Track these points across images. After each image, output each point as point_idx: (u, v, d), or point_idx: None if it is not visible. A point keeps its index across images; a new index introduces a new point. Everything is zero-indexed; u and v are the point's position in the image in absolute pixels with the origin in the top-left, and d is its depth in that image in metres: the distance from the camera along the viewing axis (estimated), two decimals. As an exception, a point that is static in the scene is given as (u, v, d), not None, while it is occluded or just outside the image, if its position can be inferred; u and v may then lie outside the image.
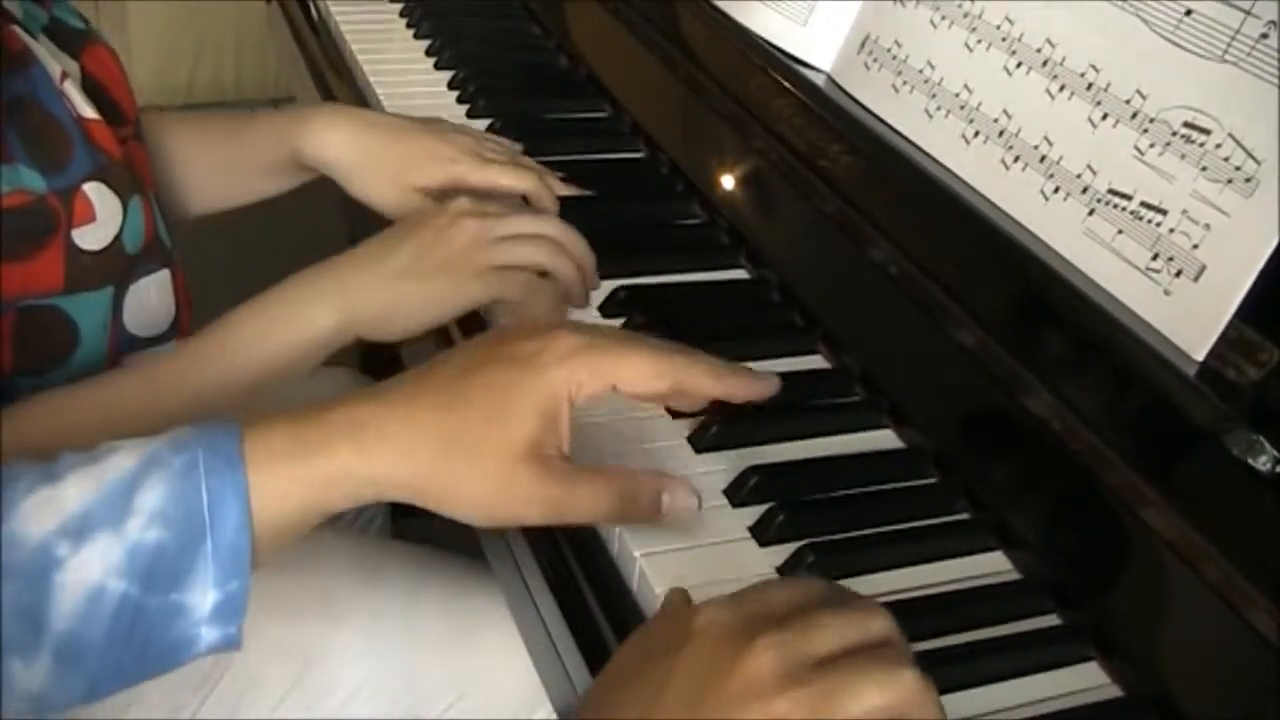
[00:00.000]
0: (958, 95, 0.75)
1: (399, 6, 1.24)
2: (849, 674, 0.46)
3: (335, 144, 0.89)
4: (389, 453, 0.56)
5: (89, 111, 0.74)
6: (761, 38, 0.90)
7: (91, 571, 0.51)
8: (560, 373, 0.57)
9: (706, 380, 0.60)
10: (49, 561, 0.51)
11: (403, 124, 0.90)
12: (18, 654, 0.50)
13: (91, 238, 0.72)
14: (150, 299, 0.79)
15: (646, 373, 0.59)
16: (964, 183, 0.74)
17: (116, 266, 0.75)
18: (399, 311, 0.73)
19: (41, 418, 0.69)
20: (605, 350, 0.58)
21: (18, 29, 0.73)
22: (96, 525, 0.51)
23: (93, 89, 0.78)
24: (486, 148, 0.90)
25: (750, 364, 0.75)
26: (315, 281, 0.73)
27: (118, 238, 0.74)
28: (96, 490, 0.52)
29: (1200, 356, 0.60)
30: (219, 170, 0.95)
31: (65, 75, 0.74)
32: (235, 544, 0.53)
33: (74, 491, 0.52)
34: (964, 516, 0.68)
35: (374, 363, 1.39)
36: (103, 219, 0.73)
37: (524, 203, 0.89)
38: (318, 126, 0.89)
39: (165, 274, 0.81)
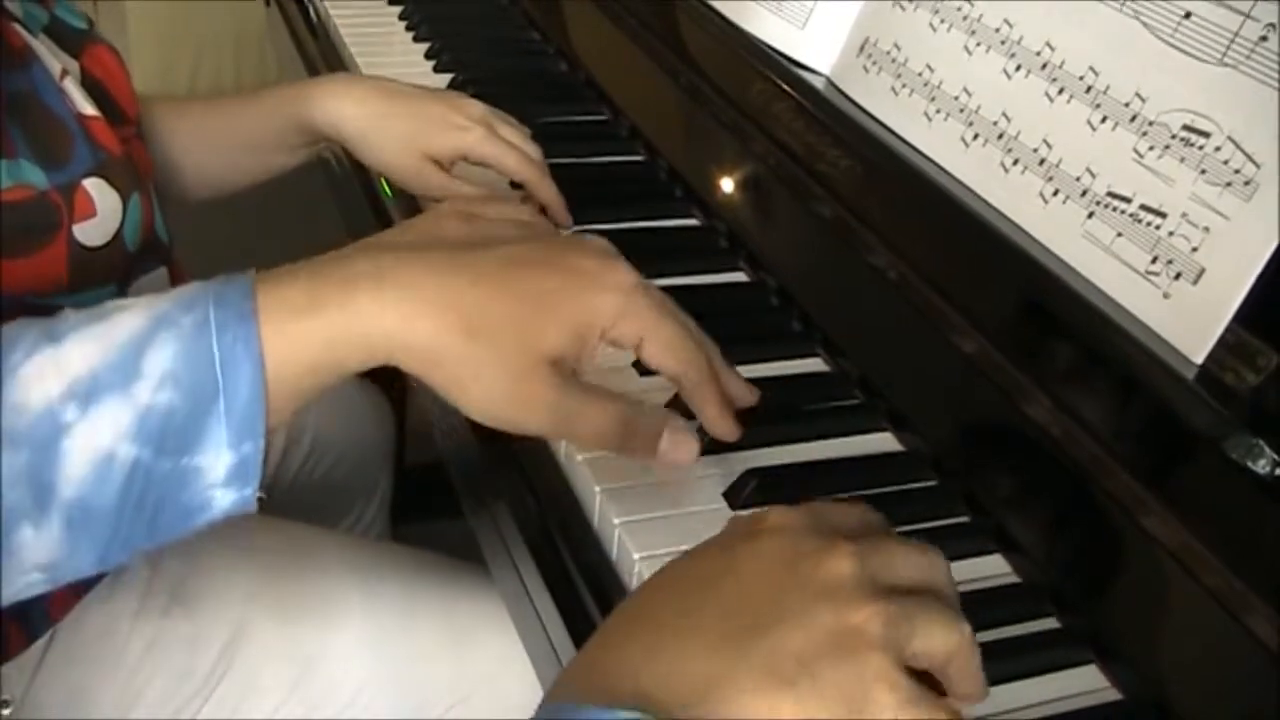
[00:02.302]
0: (957, 98, 0.75)
1: (398, 9, 1.24)
2: (923, 609, 0.45)
3: (347, 109, 0.89)
4: (410, 311, 0.53)
5: (89, 109, 0.75)
6: (760, 41, 0.90)
7: (100, 437, 0.49)
8: (608, 300, 0.56)
9: (705, 392, 0.60)
10: (55, 427, 0.49)
11: (415, 90, 0.90)
12: (28, 522, 0.49)
13: (93, 234, 0.72)
14: None
15: (672, 345, 0.58)
16: (963, 185, 0.74)
17: (118, 263, 0.75)
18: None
19: None
20: (653, 304, 0.57)
21: (18, 27, 0.73)
22: (104, 389, 0.49)
23: (93, 88, 0.78)
24: (498, 121, 0.90)
25: (749, 367, 0.75)
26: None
27: (118, 234, 0.74)
28: (103, 352, 0.50)
29: (1199, 360, 0.60)
30: (230, 147, 0.95)
31: (65, 73, 0.75)
32: (249, 404, 0.51)
33: (78, 353, 0.50)
34: (963, 520, 0.68)
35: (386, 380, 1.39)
36: (103, 215, 0.73)
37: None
38: (329, 93, 0.90)
39: (164, 272, 0.81)
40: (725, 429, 0.62)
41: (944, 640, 0.45)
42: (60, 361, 0.50)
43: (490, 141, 0.87)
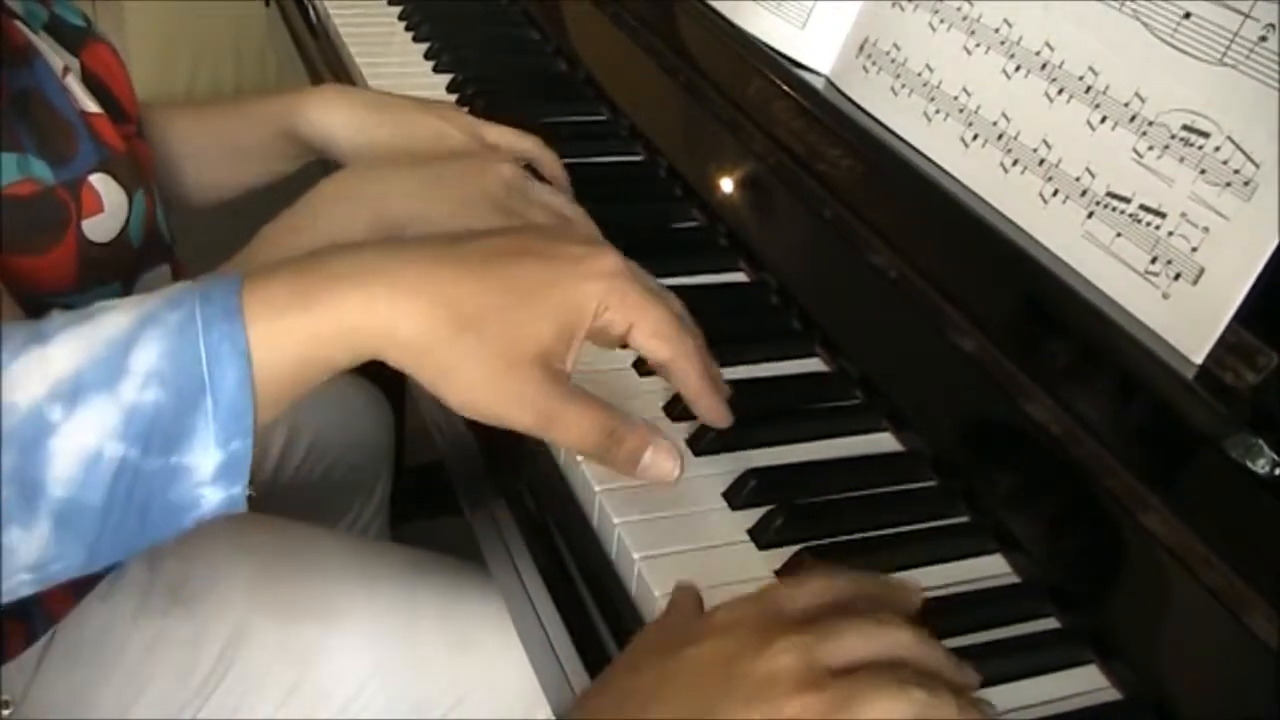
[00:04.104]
0: (956, 98, 0.76)
1: (398, 9, 1.24)
2: (870, 684, 0.46)
3: (337, 123, 0.89)
4: (397, 307, 0.53)
5: (91, 106, 0.75)
6: (760, 40, 0.90)
7: (87, 436, 0.49)
8: (594, 286, 0.56)
9: (694, 374, 0.60)
10: (42, 427, 0.49)
11: (403, 103, 0.90)
12: (16, 522, 0.49)
13: (100, 230, 0.72)
14: None
15: (659, 330, 0.58)
16: (963, 185, 0.74)
17: (125, 260, 0.75)
18: (425, 219, 0.72)
19: None
20: (641, 289, 0.57)
21: (19, 24, 0.73)
22: (90, 388, 0.49)
23: (94, 86, 0.78)
24: (487, 127, 0.90)
25: (749, 367, 0.75)
26: (345, 184, 0.73)
27: (124, 230, 0.74)
28: (89, 351, 0.50)
29: (1199, 360, 0.60)
30: (223, 155, 0.95)
31: (67, 70, 0.75)
32: (236, 401, 0.50)
33: (64, 352, 0.49)
34: (963, 519, 0.68)
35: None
36: (110, 210, 0.73)
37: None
38: (316, 105, 0.90)
39: (166, 270, 0.81)
40: (718, 415, 0.63)
41: (891, 711, 0.45)
42: (46, 361, 0.49)
43: (480, 149, 0.87)
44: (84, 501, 0.49)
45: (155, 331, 0.50)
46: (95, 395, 0.49)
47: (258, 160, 0.95)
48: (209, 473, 0.51)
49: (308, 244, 0.69)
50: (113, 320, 0.51)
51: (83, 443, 0.49)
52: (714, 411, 0.62)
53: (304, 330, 0.52)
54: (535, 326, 0.54)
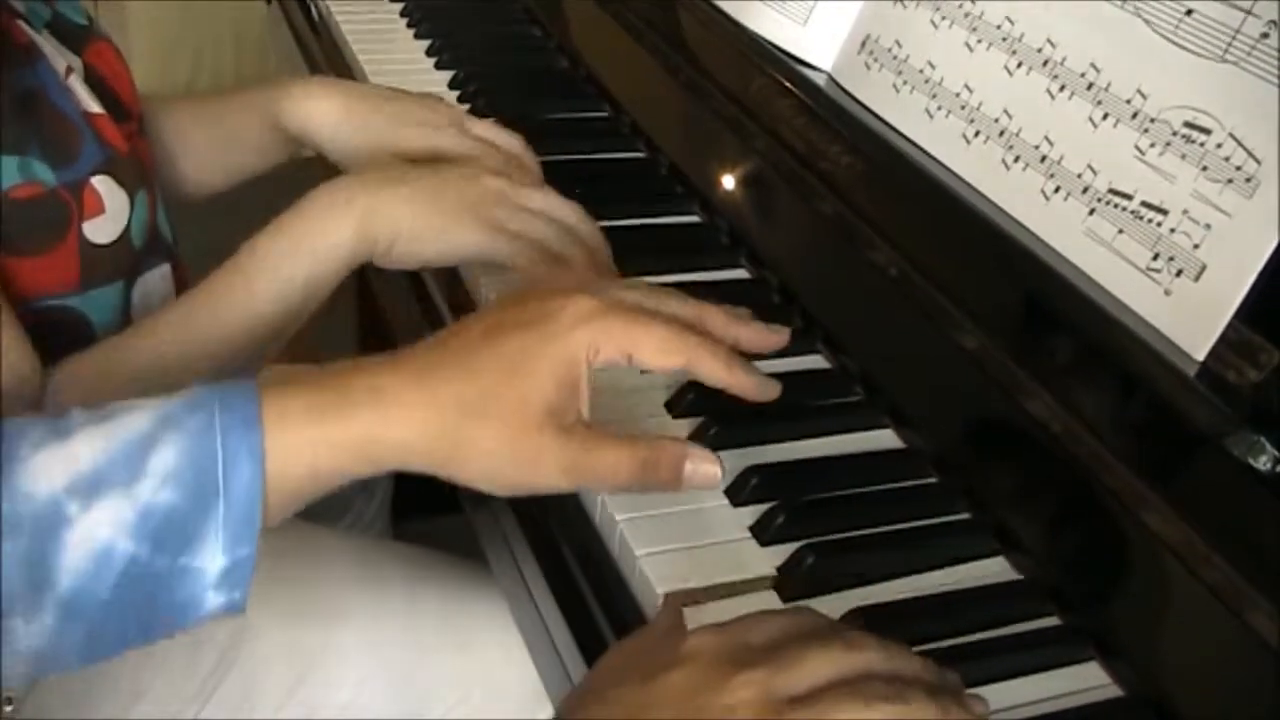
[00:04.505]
0: (958, 95, 0.75)
1: (399, 6, 1.24)
2: (823, 709, 0.47)
3: (314, 111, 0.88)
4: (407, 420, 0.54)
5: (94, 106, 0.75)
6: (761, 38, 0.90)
7: (101, 531, 0.50)
8: (578, 335, 0.56)
9: (719, 367, 0.59)
10: (58, 519, 0.50)
11: (385, 91, 0.90)
12: (20, 611, 0.49)
13: (102, 231, 0.72)
14: (154, 293, 0.79)
15: (663, 347, 0.58)
16: (964, 182, 0.74)
17: (125, 260, 0.75)
18: (413, 235, 0.73)
19: (87, 374, 0.69)
20: (625, 318, 0.57)
21: (23, 24, 0.73)
22: (108, 484, 0.50)
23: (97, 84, 0.78)
24: (471, 120, 0.90)
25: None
26: (336, 192, 0.73)
27: (126, 231, 0.74)
28: (108, 448, 0.51)
29: (1200, 357, 0.60)
30: (214, 149, 0.95)
31: (70, 71, 0.75)
32: (247, 509, 0.52)
33: (85, 449, 0.51)
34: (964, 517, 0.68)
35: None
36: (111, 212, 0.73)
37: None
38: (298, 95, 0.89)
39: (167, 268, 0.81)
40: (760, 391, 0.61)
41: None
42: (68, 456, 0.51)
43: (464, 140, 0.87)
44: (90, 595, 0.50)
45: (174, 434, 0.51)
46: (112, 492, 0.50)
47: (248, 152, 0.94)
48: (214, 576, 0.52)
49: (295, 252, 0.70)
50: (133, 420, 0.52)
51: (96, 537, 0.50)
52: (755, 389, 0.61)
53: (320, 443, 0.53)
54: (535, 391, 0.55)
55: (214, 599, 0.52)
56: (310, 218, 0.72)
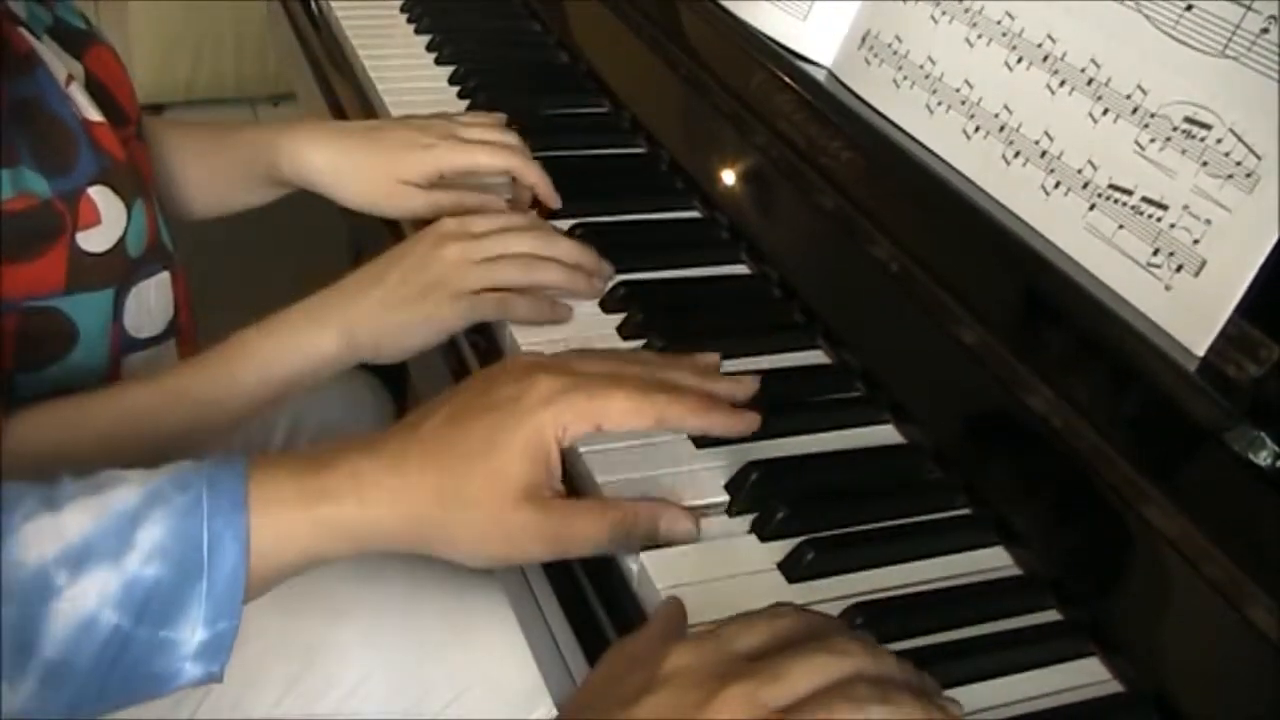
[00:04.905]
0: (958, 90, 0.75)
1: (399, 2, 1.24)
2: (814, 715, 0.47)
3: (315, 158, 0.90)
4: (386, 507, 0.57)
5: (94, 114, 0.75)
6: (762, 33, 0.90)
7: (87, 601, 0.52)
8: (544, 415, 0.58)
9: (689, 416, 0.62)
10: (46, 589, 0.51)
11: (373, 124, 0.92)
12: (5, 675, 0.51)
13: (95, 241, 0.72)
14: (150, 300, 0.79)
15: (629, 412, 0.60)
16: (965, 178, 0.74)
17: (118, 269, 0.75)
18: (394, 336, 0.75)
19: (49, 425, 0.70)
20: (587, 392, 0.59)
21: (24, 31, 0.73)
22: (96, 556, 0.52)
23: (96, 90, 0.78)
24: (462, 128, 0.91)
25: (751, 360, 0.75)
26: (319, 309, 0.75)
27: (121, 241, 0.74)
28: (97, 521, 0.53)
29: (1201, 352, 0.60)
30: (208, 178, 0.96)
31: (70, 78, 0.74)
32: (230, 585, 0.54)
33: (75, 521, 0.53)
34: (964, 512, 0.68)
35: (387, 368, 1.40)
36: (107, 222, 0.73)
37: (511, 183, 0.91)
38: (294, 146, 0.91)
39: (165, 275, 0.81)
40: (736, 428, 0.64)
41: None
42: (58, 527, 0.52)
43: (458, 150, 0.88)
44: (73, 663, 0.52)
45: (162, 510, 0.54)
46: (100, 564, 0.52)
47: (240, 190, 0.96)
48: (193, 648, 0.54)
49: (281, 351, 0.73)
50: (122, 494, 0.54)
51: (82, 607, 0.52)
52: (732, 428, 0.64)
53: (303, 525, 0.56)
54: (507, 470, 0.57)
55: (191, 670, 0.55)
56: (297, 328, 0.75)
